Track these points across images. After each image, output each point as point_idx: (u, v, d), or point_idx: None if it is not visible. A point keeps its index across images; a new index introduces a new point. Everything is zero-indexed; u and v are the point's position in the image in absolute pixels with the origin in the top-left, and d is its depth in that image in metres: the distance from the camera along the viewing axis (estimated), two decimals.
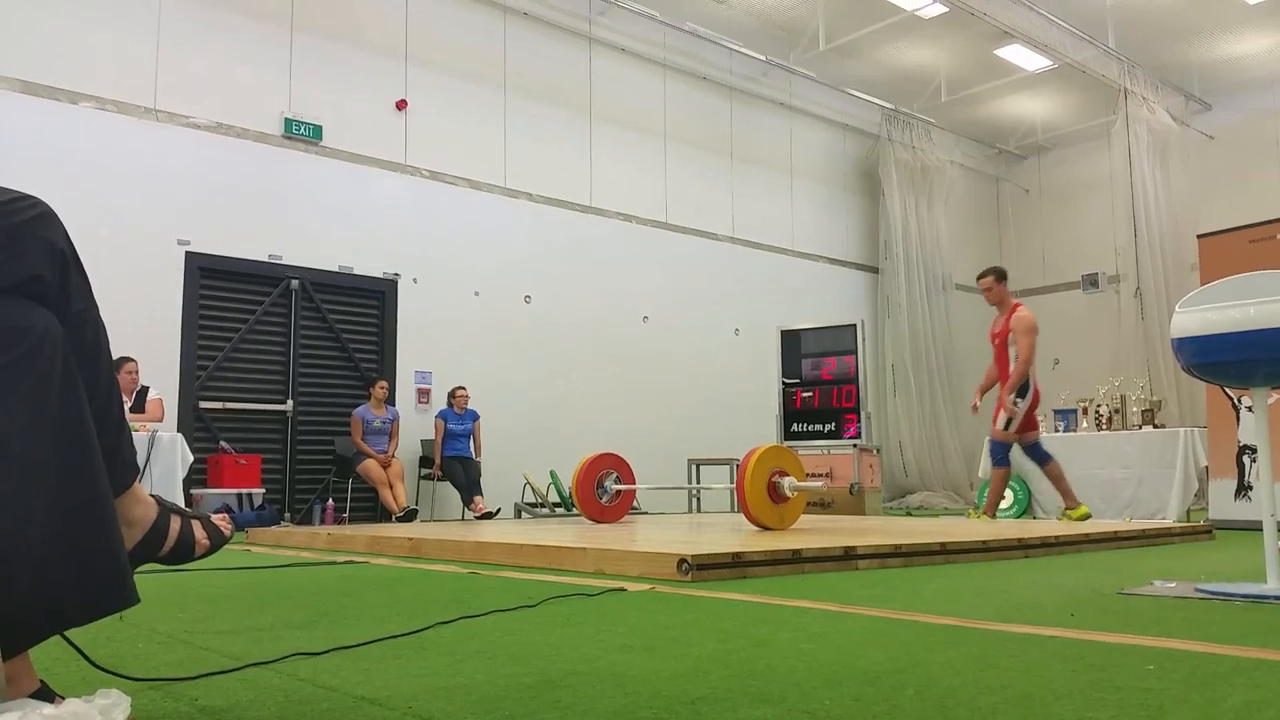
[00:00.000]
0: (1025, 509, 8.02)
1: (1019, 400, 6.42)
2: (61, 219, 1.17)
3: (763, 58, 11.66)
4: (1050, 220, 15.05)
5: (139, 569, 1.29)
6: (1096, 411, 8.23)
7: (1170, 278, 12.24)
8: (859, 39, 11.56)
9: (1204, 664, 1.73)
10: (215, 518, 1.45)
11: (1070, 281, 14.50)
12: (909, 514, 10.04)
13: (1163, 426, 7.98)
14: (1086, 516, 6.42)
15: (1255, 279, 2.67)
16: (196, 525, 1.39)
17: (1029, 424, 6.50)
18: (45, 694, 1.18)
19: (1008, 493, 8.15)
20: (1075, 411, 8.40)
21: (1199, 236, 7.42)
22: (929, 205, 13.72)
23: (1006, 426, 6.46)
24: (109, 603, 1.15)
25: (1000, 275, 6.75)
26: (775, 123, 12.44)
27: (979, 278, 6.85)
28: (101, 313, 1.22)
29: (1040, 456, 6.57)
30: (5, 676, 1.10)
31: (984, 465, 8.43)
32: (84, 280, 1.18)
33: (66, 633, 1.23)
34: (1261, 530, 2.76)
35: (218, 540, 1.42)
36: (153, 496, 1.36)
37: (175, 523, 1.36)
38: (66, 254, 1.15)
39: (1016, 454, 8.26)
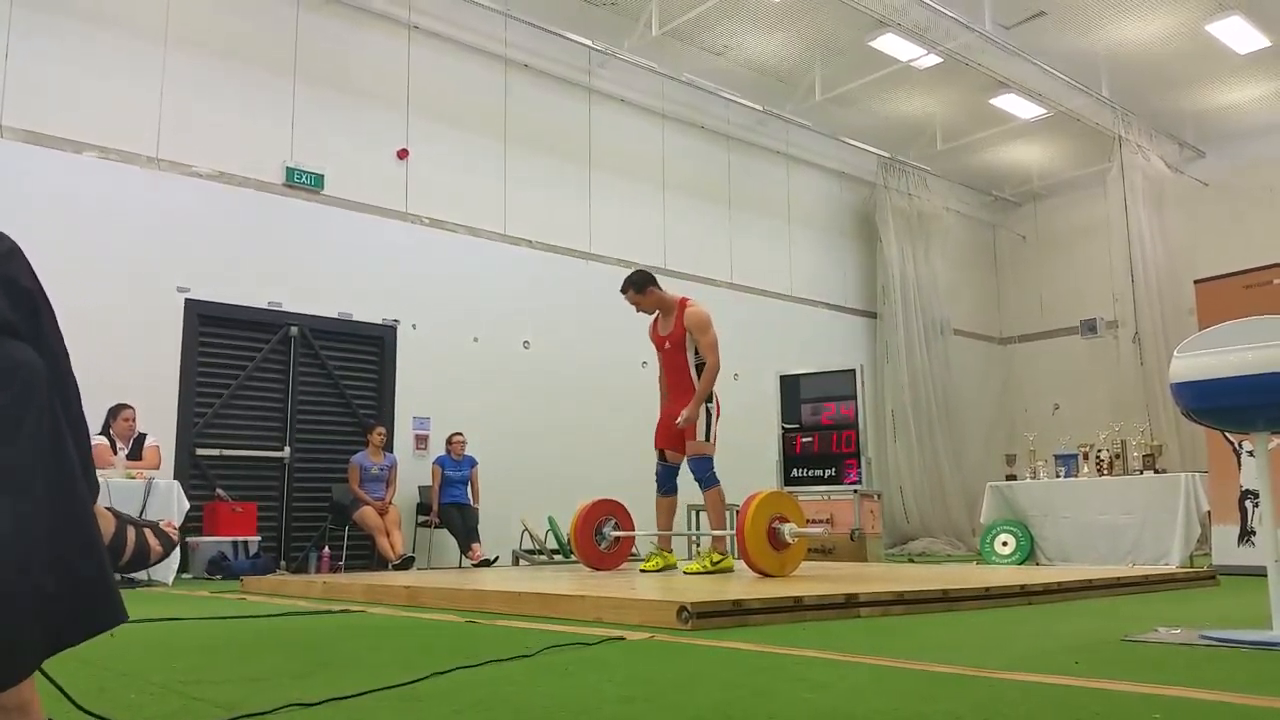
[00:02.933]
0: (1028, 555, 7.95)
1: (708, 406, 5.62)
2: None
3: (760, 108, 11.80)
4: (1047, 266, 15.14)
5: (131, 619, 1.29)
6: (1097, 456, 8.20)
7: (1168, 323, 12.28)
8: (855, 89, 11.71)
9: (1211, 713, 1.71)
10: (163, 524, 1.56)
11: (1068, 327, 14.54)
12: (911, 560, 9.96)
13: (1164, 471, 7.95)
14: (725, 569, 5.50)
15: (1253, 324, 2.68)
16: (148, 533, 1.49)
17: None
18: None
19: (1009, 538, 8.09)
20: (1076, 456, 8.37)
21: (1196, 282, 7.45)
22: (926, 251, 13.81)
23: (707, 436, 5.59)
24: (102, 620, 1.18)
25: (640, 284, 5.77)
26: (773, 171, 12.56)
27: (621, 292, 5.84)
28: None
29: (709, 478, 5.64)
30: (17, 703, 1.11)
31: (985, 510, 8.40)
32: (51, 314, 1.23)
33: (61, 684, 1.23)
34: (1266, 576, 2.73)
35: (168, 546, 1.53)
36: (108, 509, 1.45)
37: (131, 533, 1.46)
38: (34, 291, 1.20)
39: (1021, 497, 8.19)
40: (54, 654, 1.15)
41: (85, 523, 1.18)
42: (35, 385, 1.13)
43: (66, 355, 1.25)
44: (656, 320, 5.93)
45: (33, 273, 1.20)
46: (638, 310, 5.93)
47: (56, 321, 1.23)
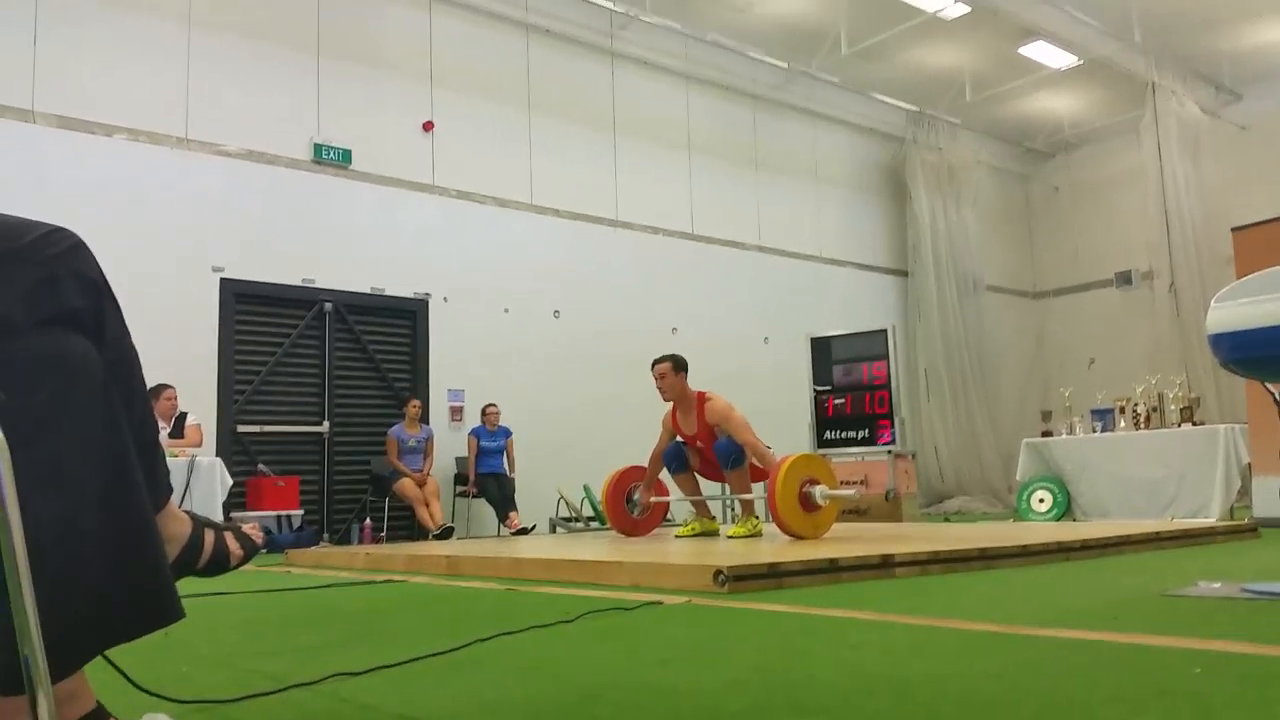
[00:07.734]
0: (1065, 512, 7.91)
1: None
2: (97, 249, 1.21)
3: (785, 65, 11.65)
4: (1081, 218, 14.89)
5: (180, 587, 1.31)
6: (1134, 410, 8.11)
7: (1205, 272, 12.07)
8: (881, 42, 11.52)
9: (1254, 666, 1.70)
10: (246, 528, 1.49)
11: (1103, 279, 14.33)
12: (947, 519, 9.95)
13: (1202, 424, 7.86)
14: (753, 534, 5.54)
15: None
16: (229, 537, 1.43)
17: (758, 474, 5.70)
18: (100, 714, 1.20)
19: (1046, 495, 8.05)
20: (1113, 411, 8.28)
21: (1233, 229, 7.32)
22: (957, 206, 13.62)
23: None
24: (158, 618, 1.18)
25: (680, 364, 5.82)
26: (799, 129, 12.42)
27: (654, 364, 5.90)
28: (140, 340, 1.25)
29: (736, 460, 5.64)
30: (67, 692, 1.12)
31: (1021, 468, 8.36)
32: (116, 308, 1.22)
33: (112, 657, 1.25)
34: None
35: (250, 550, 1.46)
36: (186, 512, 1.41)
37: (209, 536, 1.40)
38: (99, 284, 1.19)
39: (1057, 454, 8.15)
40: (105, 649, 1.15)
41: (140, 517, 1.16)
42: (85, 377, 1.12)
43: (132, 351, 1.23)
44: (675, 411, 6.00)
45: (98, 267, 1.19)
46: (659, 385, 5.93)
47: (122, 317, 1.22)
